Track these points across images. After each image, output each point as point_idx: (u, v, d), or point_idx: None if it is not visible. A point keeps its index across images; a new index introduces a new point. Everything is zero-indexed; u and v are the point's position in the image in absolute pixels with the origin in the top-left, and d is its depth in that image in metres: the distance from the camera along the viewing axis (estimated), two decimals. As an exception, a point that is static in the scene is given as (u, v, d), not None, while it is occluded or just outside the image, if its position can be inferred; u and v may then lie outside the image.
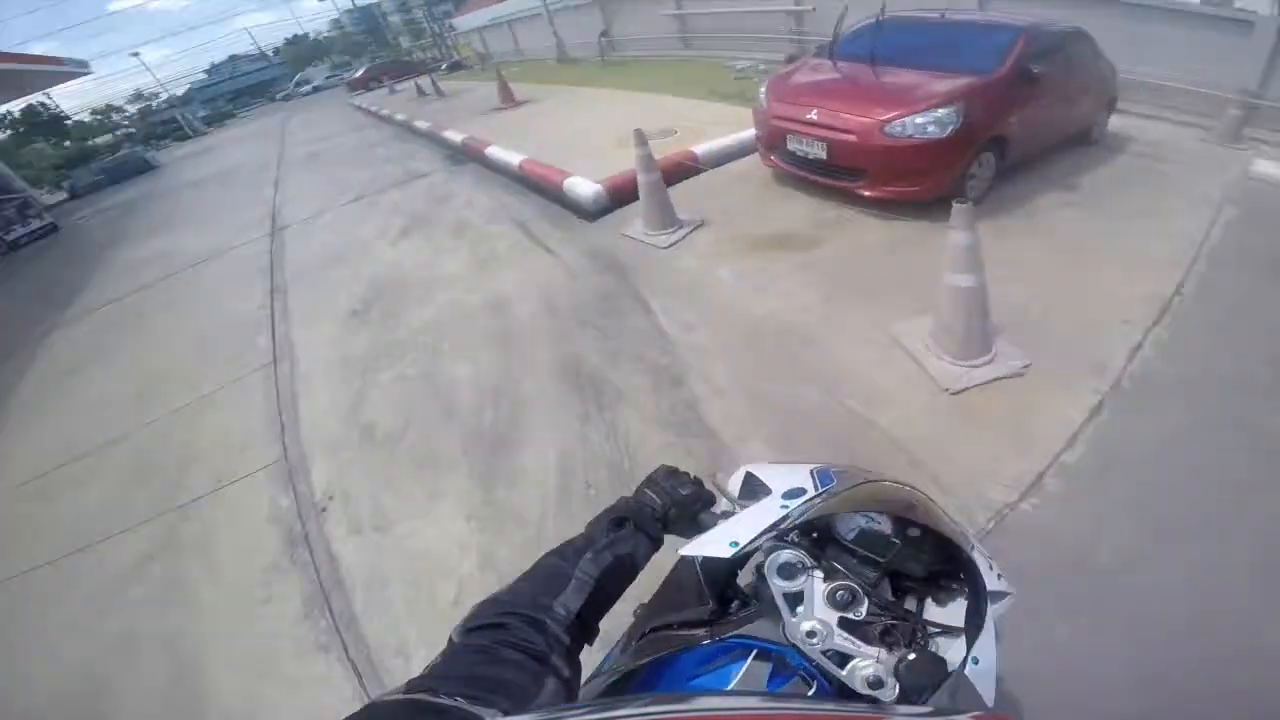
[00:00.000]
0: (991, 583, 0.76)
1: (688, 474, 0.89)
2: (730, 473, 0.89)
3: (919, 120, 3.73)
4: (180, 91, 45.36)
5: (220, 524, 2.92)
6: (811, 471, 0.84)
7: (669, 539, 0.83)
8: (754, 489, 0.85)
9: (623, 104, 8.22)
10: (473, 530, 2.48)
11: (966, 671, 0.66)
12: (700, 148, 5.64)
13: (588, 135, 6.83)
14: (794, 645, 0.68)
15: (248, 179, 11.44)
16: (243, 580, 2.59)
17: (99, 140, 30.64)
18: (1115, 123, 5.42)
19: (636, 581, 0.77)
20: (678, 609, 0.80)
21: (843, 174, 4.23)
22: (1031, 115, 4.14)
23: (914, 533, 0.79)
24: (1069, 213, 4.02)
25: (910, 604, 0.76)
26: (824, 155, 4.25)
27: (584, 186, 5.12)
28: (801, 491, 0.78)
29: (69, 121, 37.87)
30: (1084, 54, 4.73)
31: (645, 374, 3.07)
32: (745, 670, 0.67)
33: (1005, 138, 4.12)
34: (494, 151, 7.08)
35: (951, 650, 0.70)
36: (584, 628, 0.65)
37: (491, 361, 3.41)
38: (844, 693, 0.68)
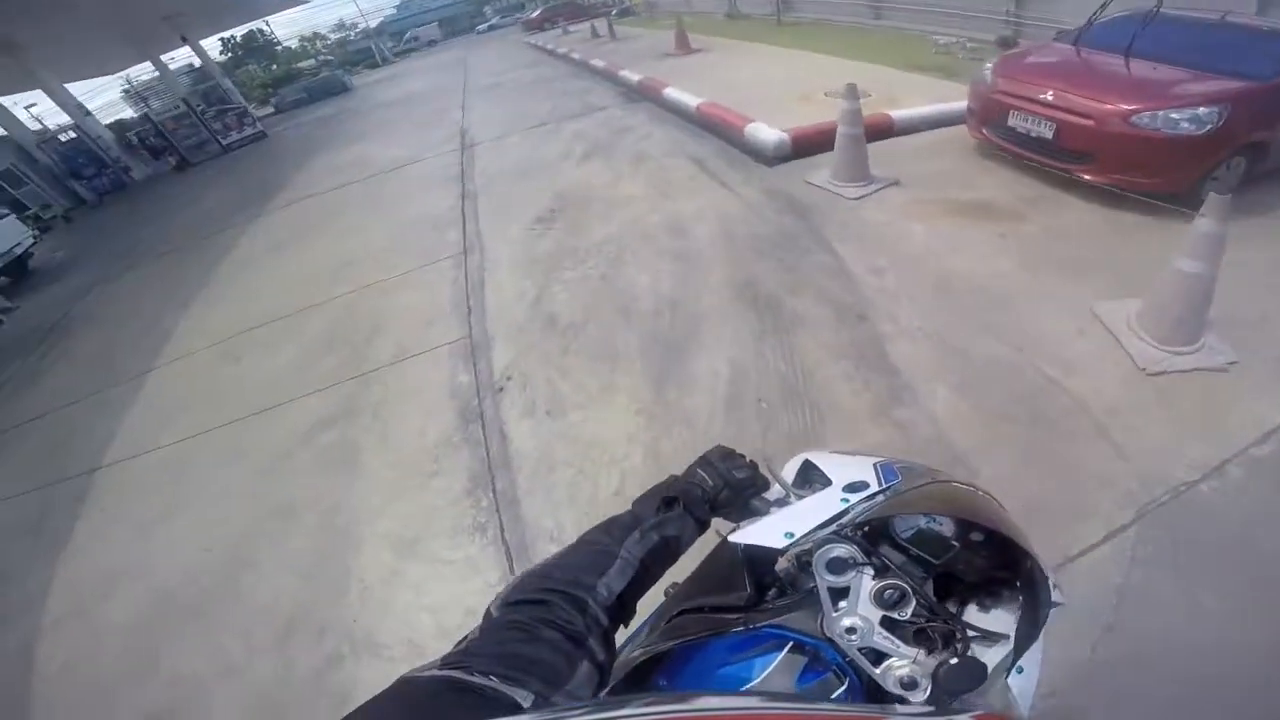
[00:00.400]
0: (1046, 595, 0.72)
1: (743, 456, 0.85)
2: (785, 461, 0.85)
3: (1174, 115, 3.54)
4: (373, 24, 49.61)
5: (399, 395, 3.27)
6: (875, 465, 0.81)
7: (716, 522, 0.81)
8: (810, 478, 0.82)
9: (802, 63, 7.94)
10: (641, 425, 2.64)
11: (1010, 681, 0.65)
12: (896, 113, 5.36)
13: (766, 88, 6.70)
14: (830, 640, 0.66)
15: (435, 103, 12.50)
16: (413, 453, 2.87)
17: (302, 65, 34.57)
18: None
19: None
20: (713, 592, 0.78)
21: (1065, 155, 4.06)
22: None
23: (977, 537, 0.75)
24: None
25: (952, 607, 0.73)
26: (1049, 135, 4.08)
27: (766, 133, 5.07)
28: (864, 485, 0.76)
29: (278, 47, 43.27)
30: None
31: (826, 306, 3.08)
32: (778, 663, 0.64)
33: (1266, 144, 3.73)
34: (671, 93, 7.17)
35: (987, 656, 0.66)
36: (622, 608, 0.63)
37: (670, 275, 3.57)
38: (875, 692, 0.67)
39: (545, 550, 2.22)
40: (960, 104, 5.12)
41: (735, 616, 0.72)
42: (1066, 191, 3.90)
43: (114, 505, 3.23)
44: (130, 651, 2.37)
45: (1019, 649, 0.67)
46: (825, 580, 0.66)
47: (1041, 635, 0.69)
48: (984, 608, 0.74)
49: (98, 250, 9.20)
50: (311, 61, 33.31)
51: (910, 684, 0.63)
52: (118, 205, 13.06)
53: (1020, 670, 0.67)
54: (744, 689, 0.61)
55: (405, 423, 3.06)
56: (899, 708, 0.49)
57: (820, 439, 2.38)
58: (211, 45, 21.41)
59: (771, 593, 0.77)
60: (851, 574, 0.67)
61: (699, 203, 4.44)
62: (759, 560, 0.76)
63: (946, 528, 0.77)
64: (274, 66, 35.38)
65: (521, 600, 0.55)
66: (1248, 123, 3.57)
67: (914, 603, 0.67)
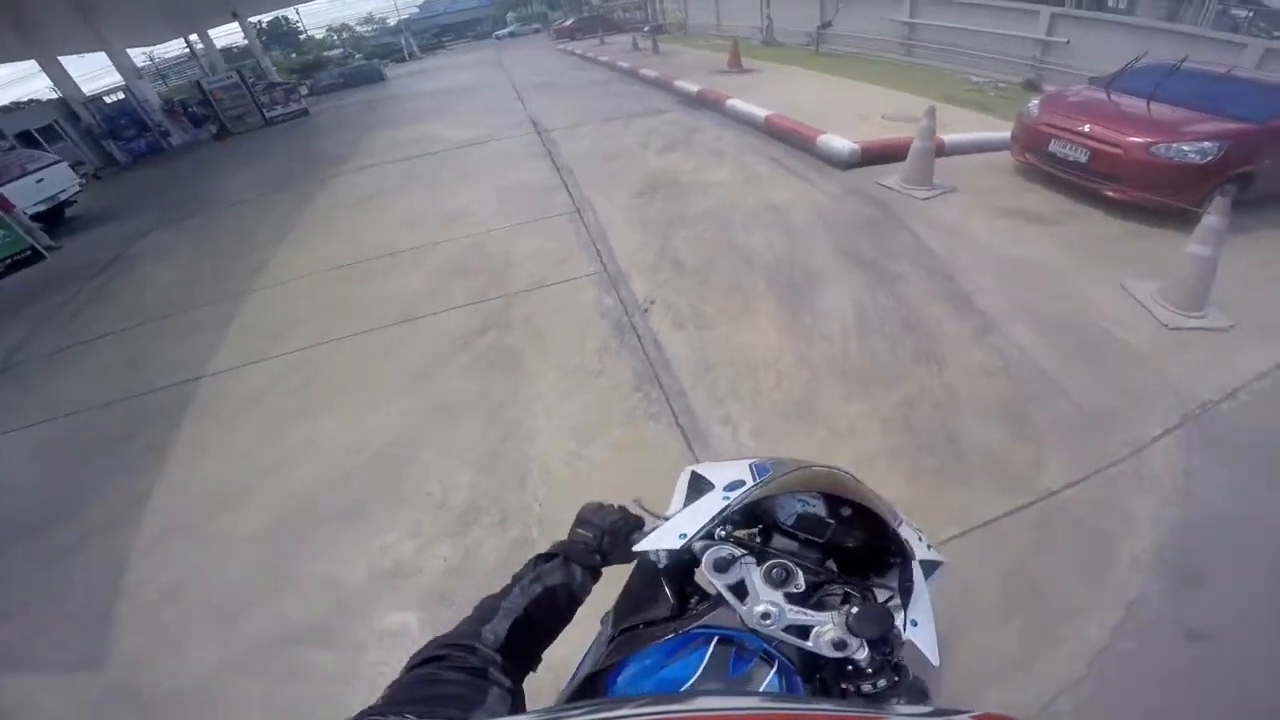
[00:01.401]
0: (921, 552, 0.84)
1: (612, 505, 0.97)
2: (651, 506, 0.96)
3: (1184, 148, 4.44)
4: (392, 21, 50.25)
5: (548, 312, 3.70)
6: (750, 465, 0.94)
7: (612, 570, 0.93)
8: (700, 487, 0.92)
9: (850, 90, 8.79)
10: (785, 339, 3.26)
11: (907, 634, 0.74)
12: (947, 136, 6.15)
13: (825, 107, 7.48)
14: (752, 630, 0.74)
15: (488, 94, 13.13)
16: (575, 357, 3.25)
17: (329, 53, 35.10)
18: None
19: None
20: (641, 609, 0.87)
21: (1097, 176, 4.89)
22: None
23: (845, 511, 0.88)
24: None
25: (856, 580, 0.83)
26: (1084, 160, 4.93)
27: (840, 142, 5.82)
28: (741, 483, 0.88)
29: (301, 36, 43.87)
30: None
31: (918, 269, 3.78)
32: (709, 657, 0.70)
33: (1253, 175, 4.65)
34: (735, 103, 7.93)
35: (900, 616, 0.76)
36: (524, 656, 0.72)
37: (779, 240, 4.23)
38: (810, 664, 0.76)
39: (723, 432, 2.67)
40: (1000, 133, 6.03)
41: (666, 625, 0.80)
42: (1095, 206, 4.70)
43: (228, 413, 3.32)
44: (258, 565, 2.38)
45: (904, 603, 0.77)
46: (719, 580, 0.77)
47: (925, 590, 0.79)
48: (881, 574, 0.87)
49: (141, 203, 9.28)
50: (339, 51, 33.82)
51: (841, 644, 0.72)
52: (153, 168, 13.14)
53: (915, 624, 0.75)
54: (684, 688, 0.66)
55: (561, 333, 3.52)
56: (898, 708, 0.48)
57: (937, 356, 3.04)
58: (231, 30, 21.67)
59: (694, 600, 0.87)
60: (738, 567, 0.77)
61: (787, 192, 5.15)
62: (677, 574, 0.88)
63: (820, 508, 0.90)
64: (295, 55, 35.84)
65: (422, 660, 0.62)
66: (1241, 156, 4.47)
67: (801, 574, 0.78)
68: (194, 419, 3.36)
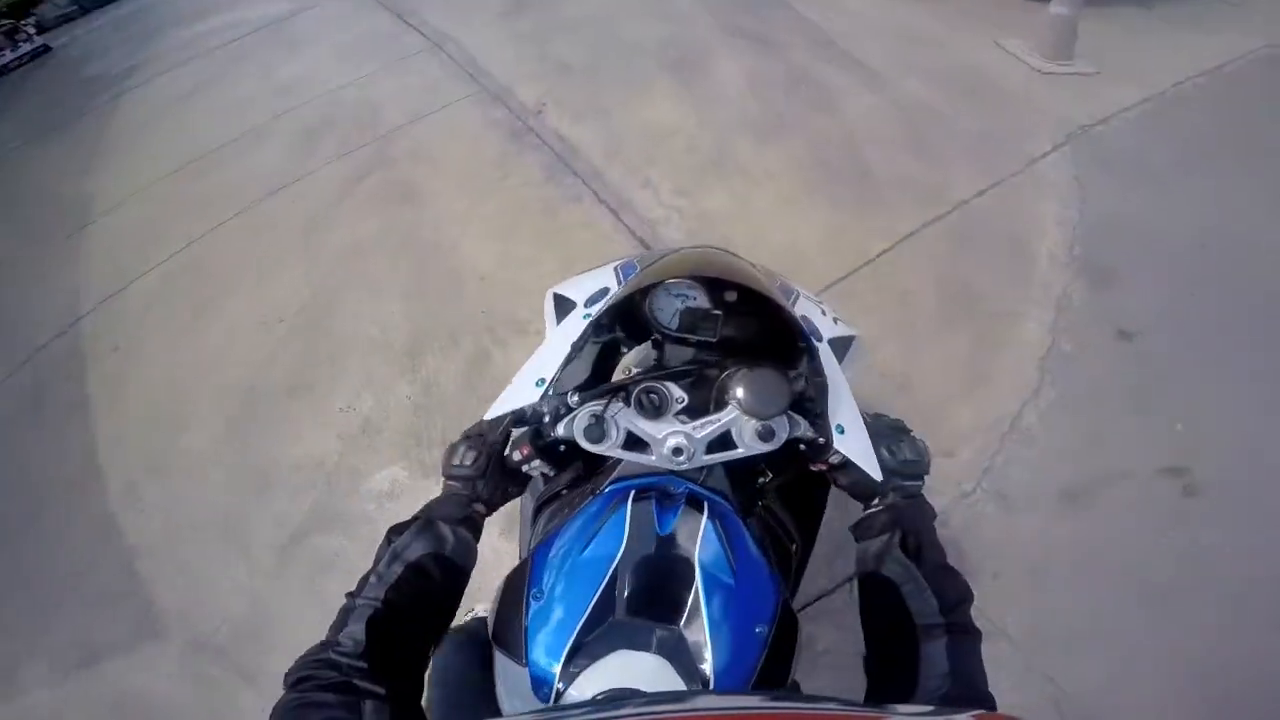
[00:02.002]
0: (828, 329, 0.75)
1: (463, 442, 0.78)
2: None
3: None
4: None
5: (431, 141, 3.42)
6: (615, 269, 0.82)
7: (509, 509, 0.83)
8: (564, 309, 0.79)
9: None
10: (686, 108, 3.30)
11: (837, 443, 0.65)
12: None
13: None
14: (670, 472, 0.68)
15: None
16: (475, 169, 3.11)
17: None
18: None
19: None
20: (563, 486, 0.80)
21: None
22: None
23: (730, 296, 0.76)
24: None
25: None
26: None
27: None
28: (605, 292, 0.76)
29: None
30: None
31: (802, 38, 3.82)
32: (628, 521, 0.62)
33: None
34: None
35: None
36: (406, 651, 0.62)
37: (660, 27, 4.07)
38: (747, 488, 0.71)
39: (644, 196, 2.76)
40: None
41: (583, 489, 0.73)
42: None
43: (131, 338, 2.97)
44: (235, 474, 2.30)
45: (823, 406, 0.66)
46: (602, 448, 0.66)
47: (840, 374, 0.69)
48: (791, 367, 0.72)
49: None
50: None
51: (767, 433, 0.64)
52: None
53: (841, 430, 0.65)
54: (614, 564, 0.59)
55: (452, 154, 3.31)
56: (898, 707, 0.46)
57: (833, 106, 3.21)
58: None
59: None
60: (611, 423, 0.66)
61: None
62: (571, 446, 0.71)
63: (702, 299, 0.77)
64: None
65: (290, 687, 0.55)
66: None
67: (671, 385, 0.68)
68: (99, 359, 2.95)
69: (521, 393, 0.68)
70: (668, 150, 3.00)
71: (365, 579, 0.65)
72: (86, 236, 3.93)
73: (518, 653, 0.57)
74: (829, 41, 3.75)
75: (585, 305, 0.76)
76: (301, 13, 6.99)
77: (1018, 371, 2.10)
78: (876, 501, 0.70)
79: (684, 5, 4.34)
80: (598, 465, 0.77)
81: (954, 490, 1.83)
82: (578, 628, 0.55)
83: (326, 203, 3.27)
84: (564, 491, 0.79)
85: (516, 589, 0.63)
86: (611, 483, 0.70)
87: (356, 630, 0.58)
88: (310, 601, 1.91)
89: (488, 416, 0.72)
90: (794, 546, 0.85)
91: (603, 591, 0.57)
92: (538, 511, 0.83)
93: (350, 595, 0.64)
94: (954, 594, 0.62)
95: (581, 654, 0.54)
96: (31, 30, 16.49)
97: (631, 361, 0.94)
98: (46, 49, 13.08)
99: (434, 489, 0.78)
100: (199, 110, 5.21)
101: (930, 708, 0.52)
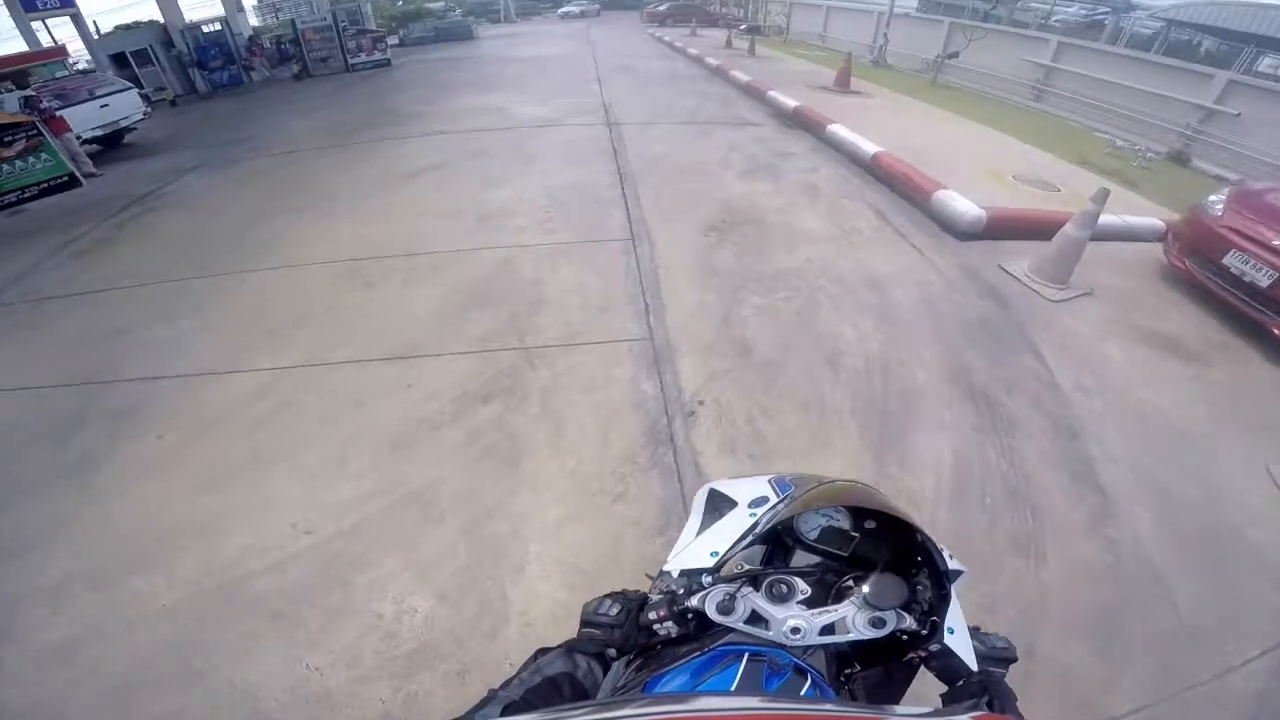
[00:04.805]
0: (944, 563, 0.81)
1: (618, 594, 0.91)
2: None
3: None
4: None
5: (573, 387, 2.98)
6: (770, 481, 0.92)
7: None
8: (719, 505, 0.92)
9: (970, 132, 7.67)
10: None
11: (947, 640, 0.74)
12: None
13: (945, 153, 6.43)
14: (779, 645, 0.75)
15: (568, 70, 12.42)
16: (590, 470, 2.54)
17: (433, 5, 34.28)
18: None
19: None
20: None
21: (1271, 307, 3.76)
22: None
23: (870, 524, 0.88)
24: None
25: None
26: (1264, 283, 3.80)
27: (962, 205, 4.82)
28: (765, 500, 0.87)
29: None
30: None
31: (1039, 415, 2.88)
32: (742, 673, 0.70)
33: None
34: (838, 130, 6.95)
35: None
36: None
37: (876, 336, 3.37)
38: (843, 661, 0.79)
39: None
40: (1150, 221, 5.05)
41: (681, 646, 0.79)
42: (1251, 341, 3.67)
43: (180, 434, 2.86)
44: (164, 647, 1.99)
45: (940, 612, 0.77)
46: (730, 621, 0.75)
47: (956, 597, 0.79)
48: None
49: (195, 139, 9.19)
50: (441, 3, 33.14)
51: (878, 622, 0.74)
52: (226, 100, 13.24)
53: (951, 631, 0.75)
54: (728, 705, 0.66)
55: (582, 423, 2.78)
56: (897, 709, 0.51)
57: (1040, 553, 2.22)
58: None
59: (692, 620, 0.82)
60: (740, 601, 0.76)
61: (892, 261, 4.22)
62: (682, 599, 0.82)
63: (844, 522, 0.89)
64: (400, 2, 35.43)
65: None
66: None
67: (799, 580, 0.78)
68: (142, 429, 2.93)
69: (698, 557, 0.79)
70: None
71: (510, 680, 0.77)
72: (245, 283, 4.26)
73: None
74: (1072, 431, 2.78)
75: (749, 505, 0.86)
76: (553, 127, 7.62)
77: None
78: (963, 681, 0.77)
79: (907, 306, 3.62)
80: (705, 631, 0.82)
81: None
82: None
83: (434, 415, 2.88)
84: (658, 648, 0.83)
85: None
86: (723, 644, 0.76)
87: (492, 712, 0.70)
88: None
89: (667, 568, 0.82)
90: None
91: None
92: (628, 663, 0.87)
93: (493, 690, 0.76)
94: None
95: None
96: (394, 41, 21.06)
97: (742, 557, 0.93)
98: (388, 63, 16.35)
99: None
100: (419, 193, 5.71)
101: (930, 708, 0.59)
